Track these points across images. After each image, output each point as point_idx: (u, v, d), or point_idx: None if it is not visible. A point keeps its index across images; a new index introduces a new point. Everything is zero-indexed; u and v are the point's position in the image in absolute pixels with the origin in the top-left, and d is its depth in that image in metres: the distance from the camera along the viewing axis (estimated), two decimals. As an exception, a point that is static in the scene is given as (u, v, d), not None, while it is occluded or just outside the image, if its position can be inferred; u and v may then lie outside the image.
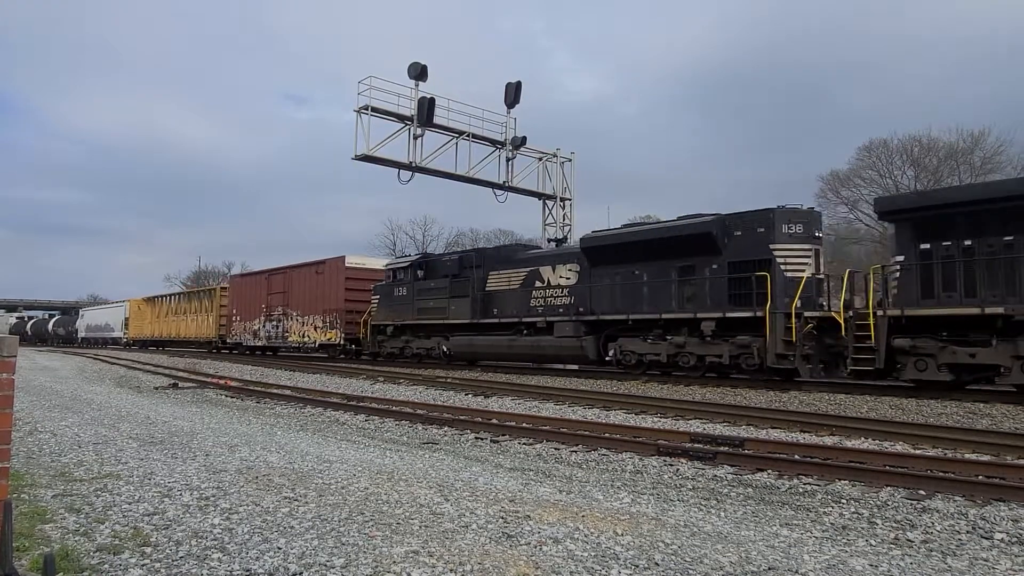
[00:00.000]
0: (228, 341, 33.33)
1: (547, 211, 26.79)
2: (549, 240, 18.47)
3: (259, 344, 30.49)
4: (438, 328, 20.58)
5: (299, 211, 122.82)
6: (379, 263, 26.16)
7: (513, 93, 24.59)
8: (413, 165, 22.71)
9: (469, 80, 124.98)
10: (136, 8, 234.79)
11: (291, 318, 27.78)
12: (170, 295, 44.44)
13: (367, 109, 21.56)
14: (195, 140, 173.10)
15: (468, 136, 23.91)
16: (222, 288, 35.51)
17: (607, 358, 16.21)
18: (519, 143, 24.79)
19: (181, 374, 20.28)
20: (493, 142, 24.69)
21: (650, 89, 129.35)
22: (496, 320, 18.78)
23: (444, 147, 23.64)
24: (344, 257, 25.72)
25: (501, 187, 25.10)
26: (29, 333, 67.32)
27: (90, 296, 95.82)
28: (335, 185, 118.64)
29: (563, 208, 26.67)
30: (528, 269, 18.48)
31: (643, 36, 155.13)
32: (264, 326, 29.79)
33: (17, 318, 73.69)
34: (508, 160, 25.06)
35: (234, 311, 32.78)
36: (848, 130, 78.88)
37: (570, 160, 26.96)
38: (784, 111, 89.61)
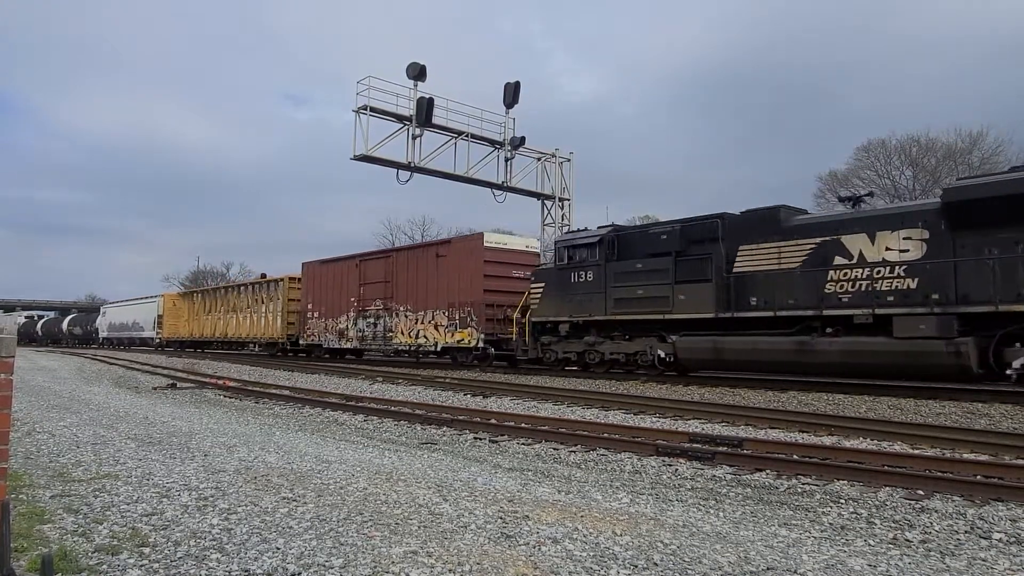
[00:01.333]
0: (302, 343, 27.84)
1: (546, 211, 26.84)
2: (841, 199, 13.09)
3: (347, 347, 25.24)
4: (650, 325, 15.40)
5: (299, 211, 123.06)
6: (522, 243, 21.87)
7: (512, 93, 24.61)
8: (412, 165, 22.71)
9: (468, 80, 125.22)
10: (136, 8, 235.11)
11: (396, 314, 22.58)
12: (216, 288, 38.81)
13: (366, 109, 21.57)
14: (195, 140, 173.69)
15: (467, 136, 23.92)
16: (292, 278, 29.23)
17: (1009, 372, 10.66)
18: (518, 143, 24.81)
19: (179, 374, 20.28)
20: (492, 142, 24.71)
21: (649, 89, 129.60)
22: (769, 313, 13.20)
23: (443, 147, 23.69)
24: (482, 235, 20.68)
25: (500, 187, 25.12)
26: (40, 333, 63.33)
27: (88, 296, 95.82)
28: (335, 185, 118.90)
29: (562, 208, 26.70)
30: (817, 240, 12.96)
31: (643, 36, 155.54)
32: (355, 324, 24.45)
33: (27, 317, 69.74)
34: (507, 160, 25.09)
35: (310, 306, 27.25)
36: (847, 130, 78.94)
37: (569, 160, 26.99)
38: (784, 111, 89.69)
